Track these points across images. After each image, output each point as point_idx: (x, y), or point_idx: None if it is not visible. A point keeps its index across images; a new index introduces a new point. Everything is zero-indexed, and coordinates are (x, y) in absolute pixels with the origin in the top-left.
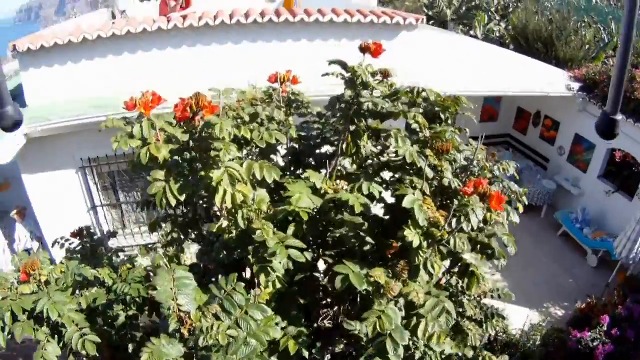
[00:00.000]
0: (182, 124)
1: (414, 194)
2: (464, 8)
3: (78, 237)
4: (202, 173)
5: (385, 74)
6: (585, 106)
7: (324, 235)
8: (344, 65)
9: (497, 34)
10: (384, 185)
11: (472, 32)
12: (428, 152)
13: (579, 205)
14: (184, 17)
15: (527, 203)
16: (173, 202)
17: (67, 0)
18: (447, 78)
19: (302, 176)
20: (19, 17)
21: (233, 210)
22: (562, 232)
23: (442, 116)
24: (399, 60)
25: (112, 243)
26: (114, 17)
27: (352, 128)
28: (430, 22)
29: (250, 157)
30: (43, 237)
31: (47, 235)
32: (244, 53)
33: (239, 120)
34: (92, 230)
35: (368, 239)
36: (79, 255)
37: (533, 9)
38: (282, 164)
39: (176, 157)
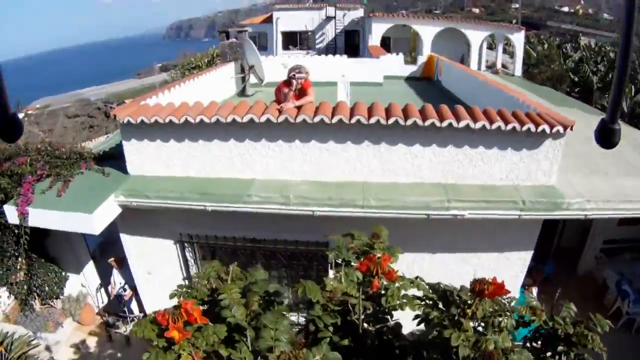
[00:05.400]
0: None
1: None
2: (610, 75)
3: None
4: None
5: None
6: None
7: None
8: None
9: None
10: None
11: None
12: None
13: None
14: (298, 109)
15: None
16: None
17: (216, 25)
18: (585, 192)
19: None
20: (168, 33)
21: None
22: None
23: None
24: (535, 171)
25: None
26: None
27: None
28: (575, 90)
29: None
30: (137, 289)
31: (141, 290)
32: (358, 153)
33: None
34: None
35: None
36: None
37: None
38: None
39: None
